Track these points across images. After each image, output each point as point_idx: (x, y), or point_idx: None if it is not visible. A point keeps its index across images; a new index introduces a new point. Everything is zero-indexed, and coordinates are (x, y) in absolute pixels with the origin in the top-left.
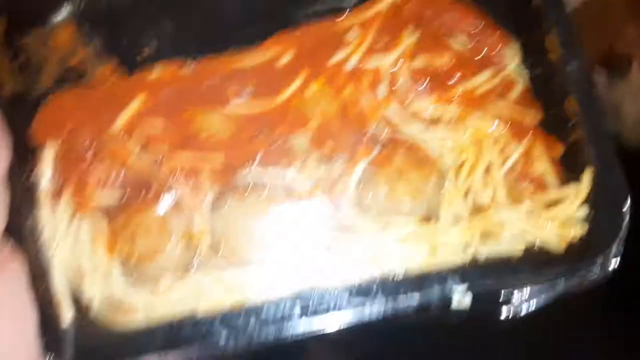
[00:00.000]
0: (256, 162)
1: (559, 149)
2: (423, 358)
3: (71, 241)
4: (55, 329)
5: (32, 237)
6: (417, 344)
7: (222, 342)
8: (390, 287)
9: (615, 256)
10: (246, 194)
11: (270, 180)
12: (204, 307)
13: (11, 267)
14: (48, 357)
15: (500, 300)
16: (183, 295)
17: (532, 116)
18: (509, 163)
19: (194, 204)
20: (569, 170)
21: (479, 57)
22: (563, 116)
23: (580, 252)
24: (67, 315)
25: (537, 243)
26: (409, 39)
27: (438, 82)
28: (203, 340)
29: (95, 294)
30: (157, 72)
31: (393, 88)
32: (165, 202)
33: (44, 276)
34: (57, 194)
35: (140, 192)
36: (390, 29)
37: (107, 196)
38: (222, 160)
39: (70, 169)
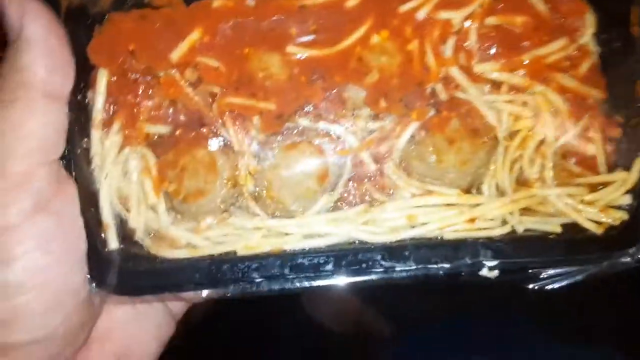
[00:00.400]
0: (308, 111)
1: (617, 133)
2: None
3: (120, 171)
4: (100, 255)
5: (83, 162)
6: (442, 305)
7: (256, 285)
8: (422, 253)
9: None
10: (293, 144)
11: (320, 130)
12: (242, 250)
13: (66, 191)
14: (93, 282)
15: (529, 276)
16: (223, 236)
17: (595, 95)
18: (563, 140)
19: (242, 147)
20: (621, 156)
21: (555, 22)
22: (629, 98)
23: (616, 239)
24: (112, 242)
25: (576, 224)
26: None
27: (508, 45)
28: (239, 281)
29: (139, 226)
30: (218, 3)
31: (461, 46)
32: (214, 143)
33: (92, 202)
34: (108, 122)
35: (190, 129)
36: None
37: (157, 130)
38: (274, 105)
39: (123, 99)
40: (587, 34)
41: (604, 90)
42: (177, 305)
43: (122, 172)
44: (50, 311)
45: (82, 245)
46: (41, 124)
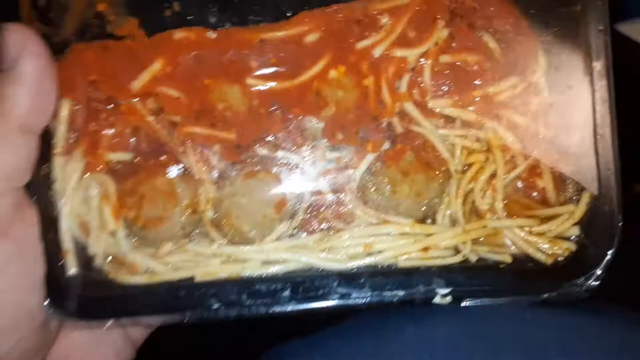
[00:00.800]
0: (268, 141)
1: (565, 168)
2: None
3: (80, 197)
4: (59, 280)
5: (44, 188)
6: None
7: (213, 310)
8: (377, 281)
9: (597, 280)
10: (253, 173)
11: (279, 160)
12: (200, 276)
13: (27, 216)
14: (51, 306)
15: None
16: (182, 262)
17: (546, 130)
18: (513, 174)
19: (202, 175)
20: (570, 189)
21: (507, 60)
22: (576, 136)
23: (565, 269)
24: (71, 267)
25: (526, 254)
26: (440, 33)
27: (461, 82)
28: (196, 307)
29: (99, 251)
30: (180, 36)
31: (415, 83)
32: (174, 171)
33: (52, 228)
34: (69, 149)
35: (150, 157)
36: (423, 20)
37: (118, 158)
38: (234, 135)
39: (85, 126)
40: (540, 73)
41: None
42: (136, 332)
43: (83, 199)
44: (4, 335)
45: (40, 269)
46: (12, 154)
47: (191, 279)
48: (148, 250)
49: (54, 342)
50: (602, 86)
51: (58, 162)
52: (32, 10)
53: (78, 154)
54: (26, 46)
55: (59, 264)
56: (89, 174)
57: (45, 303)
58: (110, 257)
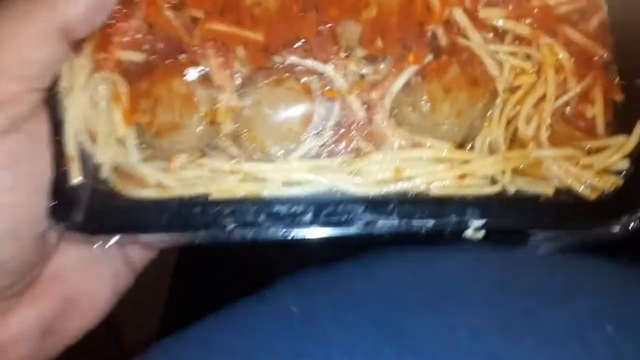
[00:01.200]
0: (297, 45)
1: (618, 96)
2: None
3: (87, 99)
4: (63, 190)
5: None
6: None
7: (228, 231)
8: (406, 208)
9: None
10: (279, 81)
11: (308, 70)
12: (215, 193)
13: (40, 115)
14: (53, 215)
15: (515, 240)
16: (196, 178)
17: (602, 53)
18: (564, 98)
19: (223, 80)
20: (622, 120)
21: None
22: (636, 60)
23: (609, 205)
24: (75, 176)
25: (568, 187)
26: None
27: None
28: (210, 226)
29: (106, 160)
30: None
31: None
32: (193, 73)
33: (57, 131)
34: (77, 44)
35: (167, 57)
36: None
37: (131, 57)
38: (261, 36)
39: None
40: None
41: (611, 49)
42: (136, 256)
43: (91, 100)
44: (5, 239)
45: (48, 172)
46: (47, 54)
47: (205, 195)
48: (160, 163)
49: (51, 256)
50: None
51: None
52: None
53: (87, 49)
54: None
55: (62, 171)
56: (98, 72)
57: (48, 210)
58: (118, 168)
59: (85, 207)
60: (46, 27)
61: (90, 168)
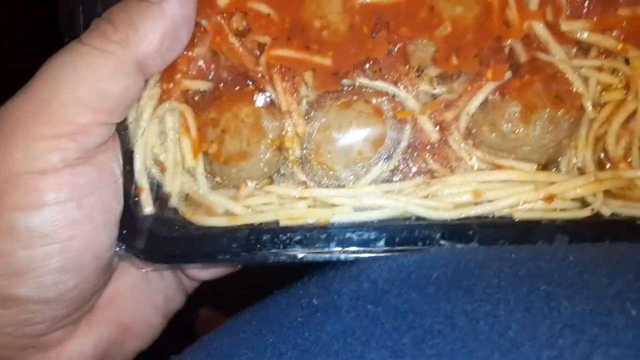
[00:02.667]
0: (368, 67)
1: None
2: None
3: (156, 129)
4: (132, 218)
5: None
6: None
7: (299, 255)
8: (488, 233)
9: None
10: (348, 104)
11: (379, 90)
12: (285, 220)
13: (112, 147)
14: (122, 244)
15: None
16: (264, 205)
17: None
18: None
19: (290, 105)
20: None
21: None
22: None
23: None
24: (146, 206)
25: None
26: None
27: (603, 1)
28: (280, 254)
29: (175, 190)
30: None
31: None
32: (261, 99)
33: (127, 160)
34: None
35: (233, 85)
36: None
37: (197, 86)
38: (330, 60)
39: None
40: None
41: None
42: (190, 279)
43: (159, 130)
44: (68, 271)
45: (117, 206)
46: (123, 88)
47: (275, 222)
48: (228, 190)
49: (109, 282)
50: None
51: None
52: None
53: (154, 79)
54: None
55: (133, 202)
56: (166, 103)
57: (116, 241)
58: (187, 197)
59: (155, 235)
60: (122, 62)
61: (158, 197)
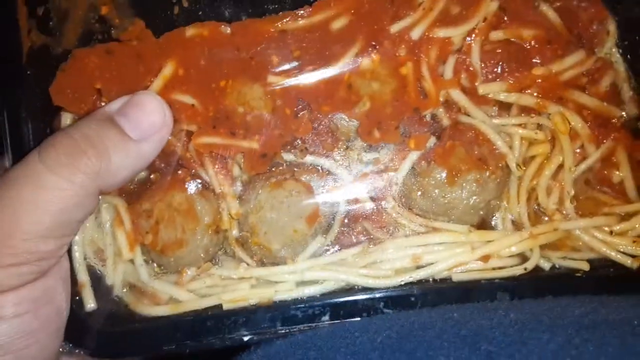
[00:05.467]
0: (295, 145)
1: None
2: None
3: (93, 222)
4: (76, 316)
5: None
6: None
7: (245, 338)
8: (430, 298)
9: None
10: (280, 182)
11: (309, 166)
12: (228, 303)
13: (64, 259)
14: (67, 345)
15: None
16: (208, 288)
17: (620, 113)
18: (584, 165)
19: (223, 190)
20: None
21: (570, 33)
22: None
23: None
24: (88, 302)
25: (606, 258)
26: (489, 6)
27: (517, 61)
28: (225, 339)
29: (117, 282)
30: (191, 33)
31: (462, 66)
32: (193, 185)
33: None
34: None
35: (167, 171)
36: None
37: None
38: (257, 142)
39: None
40: (609, 43)
41: (634, 106)
42: None
43: (96, 223)
44: None
45: (66, 312)
46: (85, 214)
47: (219, 306)
48: (170, 277)
49: None
50: None
51: None
52: (31, 19)
53: None
54: (153, 126)
55: (76, 300)
56: (99, 197)
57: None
58: (130, 287)
59: (100, 331)
60: (87, 193)
61: (101, 290)
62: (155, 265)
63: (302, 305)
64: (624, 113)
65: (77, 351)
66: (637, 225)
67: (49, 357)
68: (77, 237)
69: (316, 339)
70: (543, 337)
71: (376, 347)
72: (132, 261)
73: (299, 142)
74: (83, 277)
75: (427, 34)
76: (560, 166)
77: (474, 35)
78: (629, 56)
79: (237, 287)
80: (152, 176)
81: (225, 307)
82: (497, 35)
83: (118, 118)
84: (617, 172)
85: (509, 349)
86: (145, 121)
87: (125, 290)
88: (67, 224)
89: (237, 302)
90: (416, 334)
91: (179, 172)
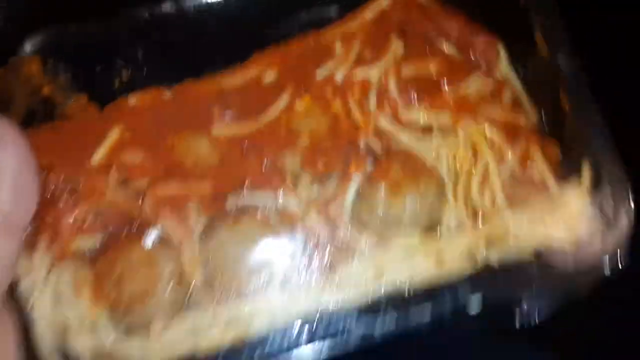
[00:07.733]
0: (246, 186)
1: (556, 150)
2: None
3: (51, 294)
4: None
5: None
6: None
7: None
8: (399, 302)
9: (625, 252)
10: (237, 220)
11: (262, 204)
12: (203, 350)
13: (4, 322)
14: None
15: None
16: (179, 337)
17: (526, 118)
18: (505, 167)
19: (182, 236)
20: (569, 169)
21: (468, 61)
22: (557, 114)
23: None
24: None
25: (546, 245)
26: (396, 47)
27: (428, 89)
28: None
29: (84, 349)
30: (133, 101)
31: (383, 98)
32: (150, 238)
33: (26, 334)
34: (31, 243)
35: (122, 230)
36: (376, 39)
37: (87, 239)
38: (209, 187)
39: (45, 214)
40: (503, 64)
41: (534, 112)
42: None
43: (55, 293)
44: None
45: None
46: None
47: (194, 352)
48: (139, 333)
49: None
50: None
51: (20, 259)
52: None
53: (42, 245)
54: (6, 137)
55: None
56: (57, 264)
57: None
58: (98, 353)
59: None
60: None
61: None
62: (121, 324)
63: (278, 337)
64: (528, 119)
65: None
66: (564, 212)
67: None
68: (36, 311)
69: None
70: None
71: None
72: (95, 327)
73: (249, 182)
74: (46, 348)
75: (348, 76)
76: (486, 171)
77: (387, 73)
78: (519, 72)
79: (210, 330)
80: (108, 238)
81: (200, 355)
82: (407, 70)
83: None
84: (535, 168)
85: None
86: None
87: (94, 356)
88: None
89: (212, 347)
90: None
91: (134, 228)
